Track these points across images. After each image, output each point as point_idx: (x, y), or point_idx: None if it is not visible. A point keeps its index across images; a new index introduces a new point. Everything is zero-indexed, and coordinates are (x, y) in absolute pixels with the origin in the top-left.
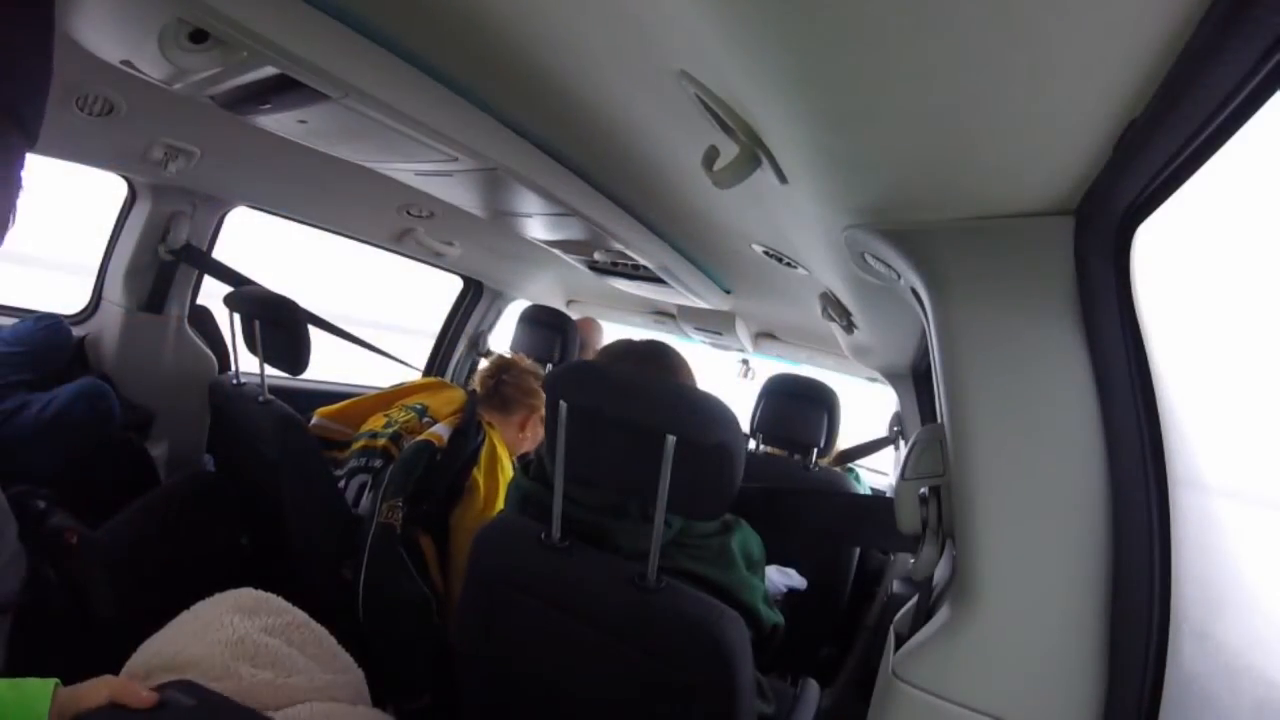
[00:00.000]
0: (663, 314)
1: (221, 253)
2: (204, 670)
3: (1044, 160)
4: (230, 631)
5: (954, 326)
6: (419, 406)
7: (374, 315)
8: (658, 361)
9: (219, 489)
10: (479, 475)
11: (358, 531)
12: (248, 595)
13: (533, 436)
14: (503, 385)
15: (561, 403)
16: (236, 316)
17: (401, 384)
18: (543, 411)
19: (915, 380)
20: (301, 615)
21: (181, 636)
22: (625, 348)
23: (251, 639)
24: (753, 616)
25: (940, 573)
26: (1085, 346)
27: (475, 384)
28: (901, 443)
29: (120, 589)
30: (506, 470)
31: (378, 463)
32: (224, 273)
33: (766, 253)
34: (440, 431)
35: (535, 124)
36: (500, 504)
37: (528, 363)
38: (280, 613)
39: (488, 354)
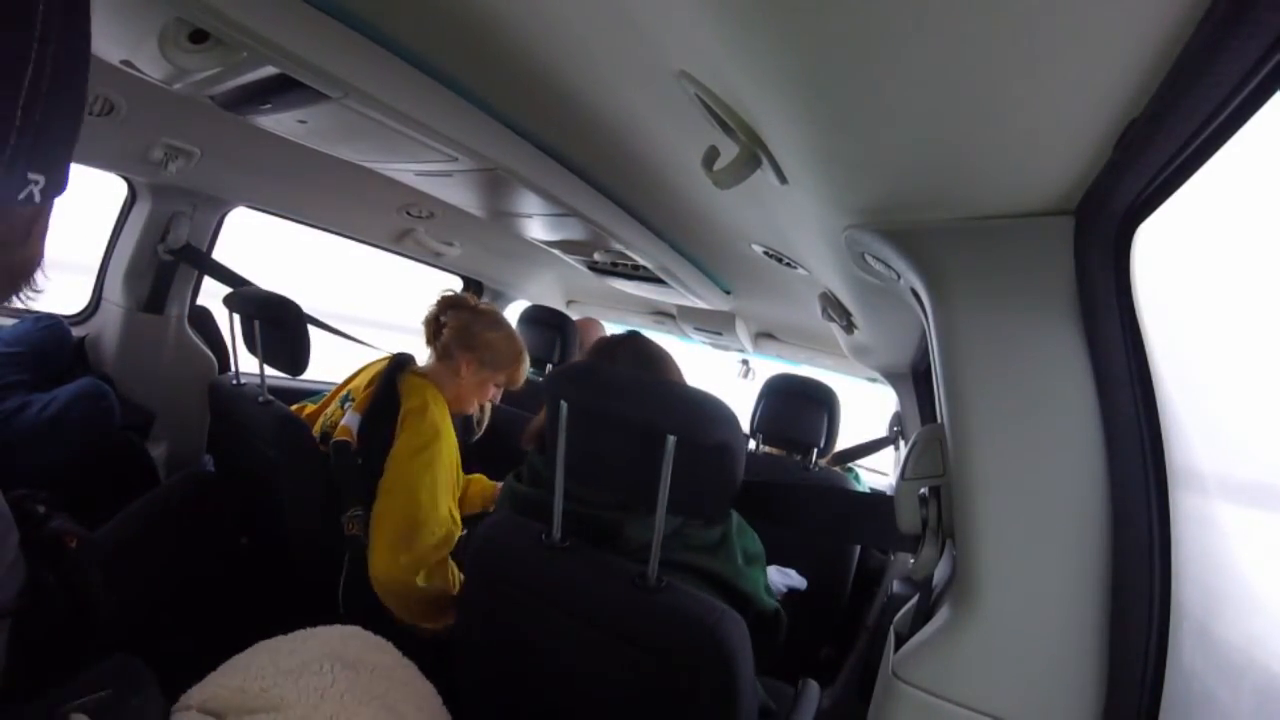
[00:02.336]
0: (663, 314)
1: (222, 252)
2: (289, 718)
3: (1044, 160)
4: (329, 681)
5: (954, 326)
6: (348, 394)
7: (374, 315)
8: (633, 351)
9: (219, 489)
10: (396, 460)
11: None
12: (355, 641)
13: (476, 388)
14: (442, 327)
15: (562, 403)
16: (236, 317)
17: (355, 373)
18: (483, 354)
19: (915, 380)
20: (410, 671)
21: (272, 672)
22: (600, 344)
23: (353, 696)
24: (754, 604)
25: (940, 573)
26: (1085, 346)
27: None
28: (901, 443)
29: (120, 591)
30: (440, 428)
31: None
32: (223, 273)
33: (766, 253)
34: (349, 424)
35: (535, 124)
36: (445, 448)
37: (475, 301)
38: (387, 672)
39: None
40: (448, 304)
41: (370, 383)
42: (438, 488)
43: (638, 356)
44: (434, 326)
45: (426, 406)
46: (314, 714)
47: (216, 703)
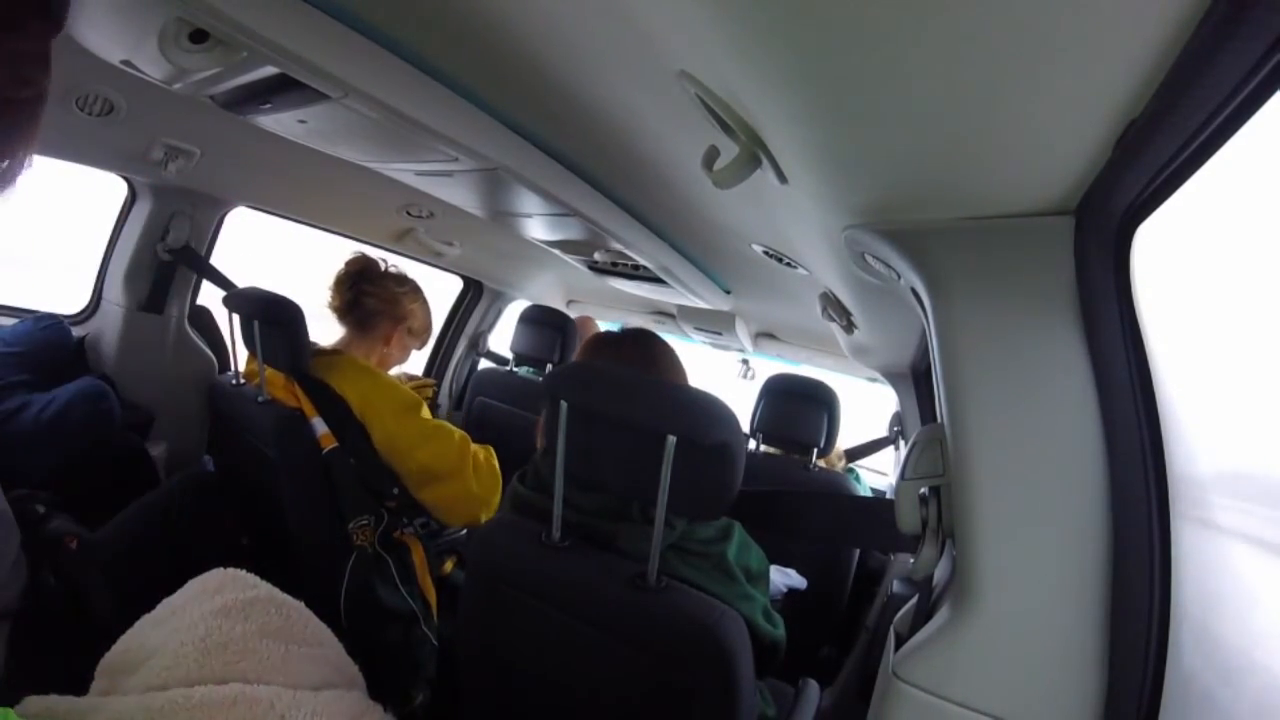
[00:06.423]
0: (663, 314)
1: (224, 251)
2: (161, 663)
3: (1044, 160)
4: (197, 618)
5: (954, 326)
6: (268, 395)
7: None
8: (639, 349)
9: (219, 489)
10: (377, 428)
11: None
12: (224, 578)
13: (400, 352)
14: (364, 296)
15: (562, 403)
16: (236, 316)
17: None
18: (410, 323)
19: (915, 380)
20: (269, 591)
21: (144, 628)
22: (603, 339)
23: (225, 626)
24: (751, 629)
25: (940, 573)
26: (1085, 346)
27: (330, 301)
28: (901, 443)
29: (119, 591)
30: (403, 394)
31: None
32: (219, 278)
33: (766, 253)
34: (318, 428)
35: (535, 124)
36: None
37: (385, 267)
38: (263, 602)
39: (487, 354)
40: (362, 272)
41: (287, 383)
42: (440, 437)
43: (632, 351)
44: (350, 294)
45: (379, 392)
46: (182, 650)
47: (106, 668)
